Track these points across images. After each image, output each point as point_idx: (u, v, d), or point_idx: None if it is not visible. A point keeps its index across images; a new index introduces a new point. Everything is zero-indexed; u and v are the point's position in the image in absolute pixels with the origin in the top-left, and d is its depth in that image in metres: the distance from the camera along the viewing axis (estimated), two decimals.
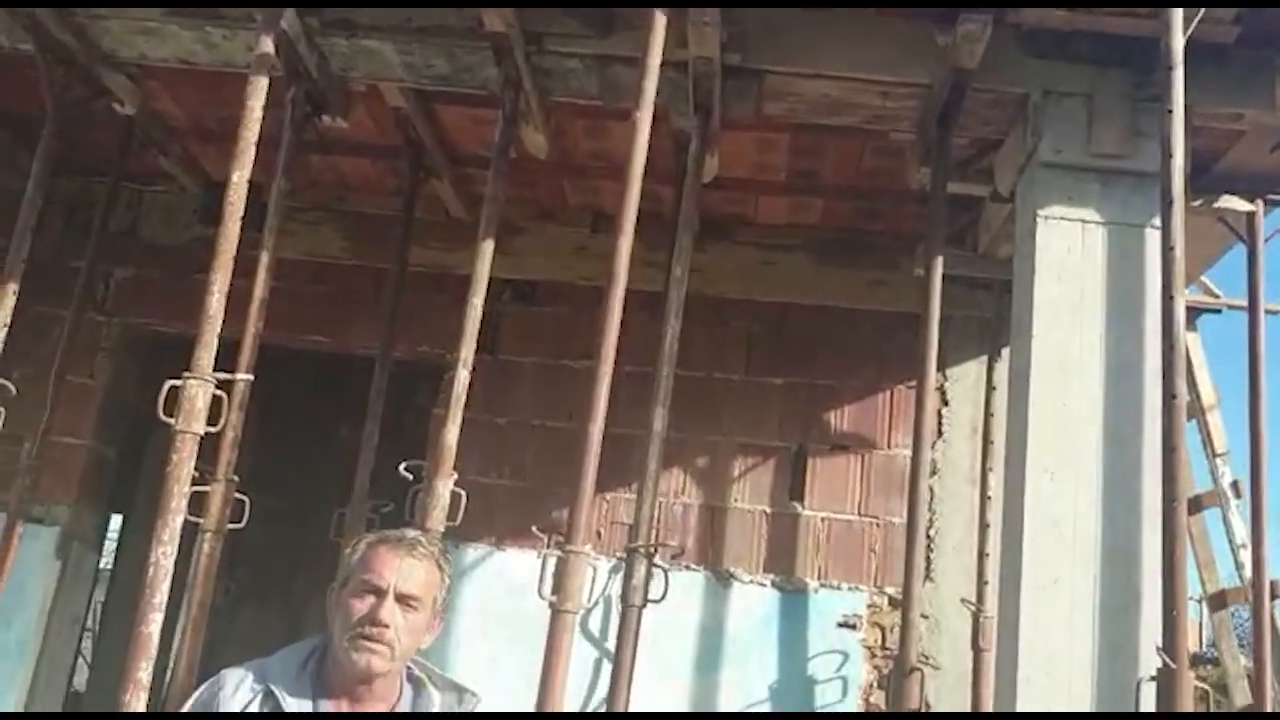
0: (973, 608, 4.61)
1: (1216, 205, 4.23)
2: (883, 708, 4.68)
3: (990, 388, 4.91)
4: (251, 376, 3.72)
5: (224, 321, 3.35)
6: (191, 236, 5.34)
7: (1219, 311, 5.65)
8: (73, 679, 5.99)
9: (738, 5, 3.66)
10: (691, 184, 3.99)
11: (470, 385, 3.82)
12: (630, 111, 3.41)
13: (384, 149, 4.89)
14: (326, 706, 2.14)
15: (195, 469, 3.27)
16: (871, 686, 4.76)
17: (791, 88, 3.88)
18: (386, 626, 2.08)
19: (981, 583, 4.63)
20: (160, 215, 5.43)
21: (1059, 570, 3.40)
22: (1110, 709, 3.24)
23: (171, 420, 3.19)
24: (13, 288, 3.97)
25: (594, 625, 4.89)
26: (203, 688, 2.20)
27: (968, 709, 4.58)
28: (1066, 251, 3.70)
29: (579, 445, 3.44)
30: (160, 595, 3.06)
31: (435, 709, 2.20)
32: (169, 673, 5.98)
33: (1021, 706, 3.33)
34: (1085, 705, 3.28)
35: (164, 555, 3.09)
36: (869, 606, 4.85)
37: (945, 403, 5.00)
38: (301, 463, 7.07)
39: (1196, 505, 5.44)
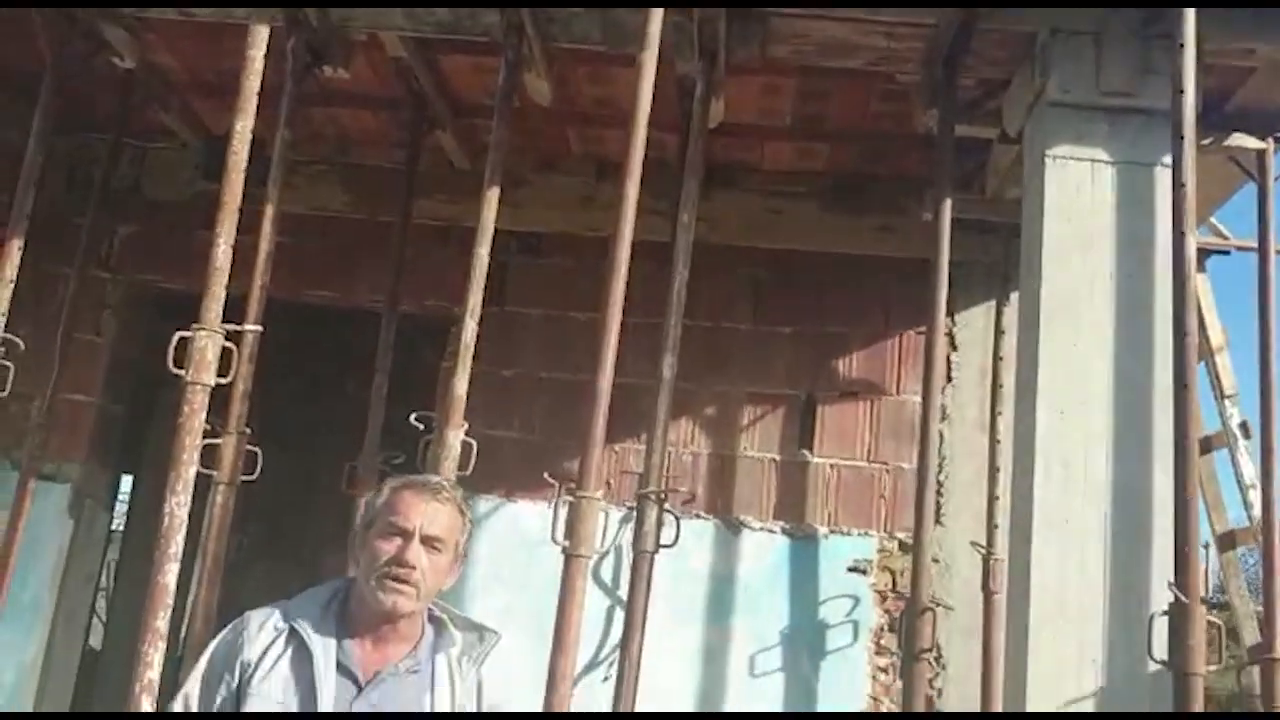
0: (982, 551, 4.63)
1: (1226, 144, 4.18)
2: (893, 650, 4.71)
3: (999, 332, 4.90)
4: (260, 328, 3.71)
5: (229, 276, 3.35)
6: (193, 192, 5.32)
7: (1227, 253, 5.62)
8: (88, 637, 6.05)
9: None
10: (697, 129, 3.96)
11: (477, 338, 3.82)
12: (634, 57, 3.38)
13: (385, 100, 4.85)
14: (350, 645, 2.17)
15: (205, 422, 3.28)
16: (882, 630, 4.80)
17: (797, 29, 3.84)
18: (413, 567, 2.13)
19: (991, 526, 4.65)
20: (162, 171, 5.40)
21: (1070, 510, 3.40)
22: (1121, 646, 3.26)
23: (182, 372, 3.19)
24: (17, 244, 3.96)
25: (605, 574, 4.92)
26: (227, 629, 2.23)
27: (978, 652, 4.60)
28: (1075, 191, 3.67)
29: (588, 395, 3.44)
30: (175, 546, 3.08)
31: (456, 648, 2.24)
32: (184, 626, 6.04)
33: (1033, 646, 3.35)
34: (1096, 643, 3.30)
35: (178, 506, 3.11)
36: (879, 551, 4.87)
37: (954, 348, 4.99)
38: (309, 418, 7.08)
39: (1205, 446, 5.44)
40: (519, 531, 4.98)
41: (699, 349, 4.77)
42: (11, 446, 4.73)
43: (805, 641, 4.82)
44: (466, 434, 3.86)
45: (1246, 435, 5.38)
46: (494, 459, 4.74)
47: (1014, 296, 4.84)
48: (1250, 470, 5.30)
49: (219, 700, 2.16)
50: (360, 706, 2.13)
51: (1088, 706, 3.30)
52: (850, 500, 4.94)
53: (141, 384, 5.61)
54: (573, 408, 5.01)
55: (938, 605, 3.81)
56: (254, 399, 3.94)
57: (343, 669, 2.15)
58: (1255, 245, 4.36)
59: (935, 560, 4.76)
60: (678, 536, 4.03)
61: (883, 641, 4.81)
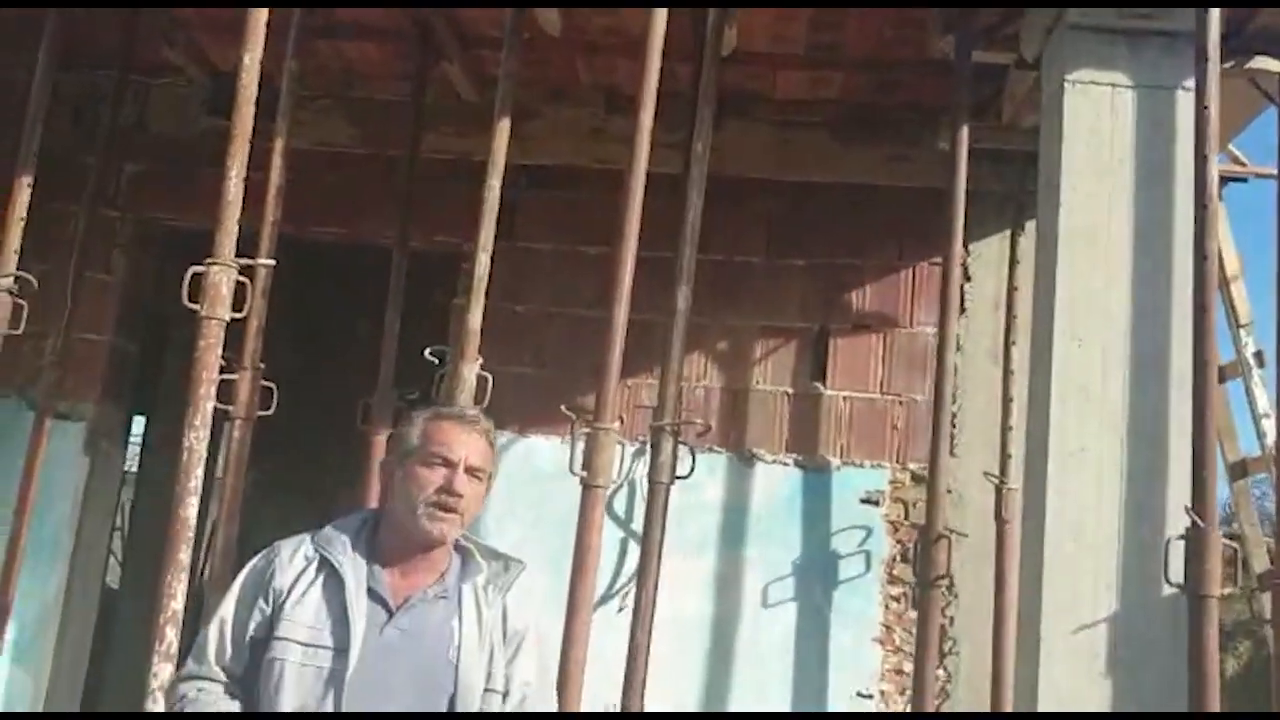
0: (996, 480, 4.64)
1: (1248, 67, 4.12)
2: (906, 580, 4.75)
3: (1014, 262, 4.87)
4: (273, 262, 3.70)
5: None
6: (200, 129, 5.26)
7: (1244, 180, 5.57)
8: (105, 576, 6.11)
9: None
10: (710, 57, 3.91)
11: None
12: None
13: (391, 32, 4.77)
14: (380, 572, 2.21)
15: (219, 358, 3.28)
16: (894, 560, 4.82)
17: None
18: (461, 496, 2.19)
19: (1005, 456, 4.65)
20: (168, 108, 5.35)
21: (1086, 437, 3.41)
22: (1137, 572, 3.28)
23: (196, 307, 3.18)
24: (26, 181, 3.94)
25: (618, 508, 4.95)
26: (258, 557, 2.26)
27: (990, 582, 4.64)
28: (1095, 116, 3.63)
29: (600, 329, 3.43)
30: (195, 480, 3.09)
31: (482, 576, 2.27)
32: (203, 562, 6.11)
33: (1049, 573, 3.38)
34: (1112, 569, 3.33)
35: (196, 441, 3.12)
36: (891, 482, 4.88)
37: (967, 278, 4.95)
38: (317, 355, 7.09)
39: (1219, 376, 5.43)
40: (532, 466, 5.00)
41: (711, 282, 4.74)
42: (26, 385, 4.73)
43: (818, 571, 4.85)
44: (480, 369, 3.87)
45: (1261, 364, 5.37)
46: (506, 394, 4.74)
47: (1029, 225, 4.80)
48: (1264, 399, 5.30)
49: (252, 626, 2.19)
50: (392, 631, 2.16)
51: (1103, 631, 3.33)
52: (863, 432, 4.94)
53: (153, 323, 5.61)
54: (584, 342, 4.99)
55: (952, 533, 3.81)
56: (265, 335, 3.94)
57: (374, 594, 2.18)
58: (1274, 172, 4.32)
59: (948, 491, 4.77)
60: (693, 468, 4.04)
61: (895, 571, 4.84)
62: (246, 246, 3.62)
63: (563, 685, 3.15)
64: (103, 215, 4.98)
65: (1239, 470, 5.55)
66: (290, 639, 2.13)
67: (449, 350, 4.05)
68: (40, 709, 4.83)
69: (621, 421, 4.94)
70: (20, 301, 3.97)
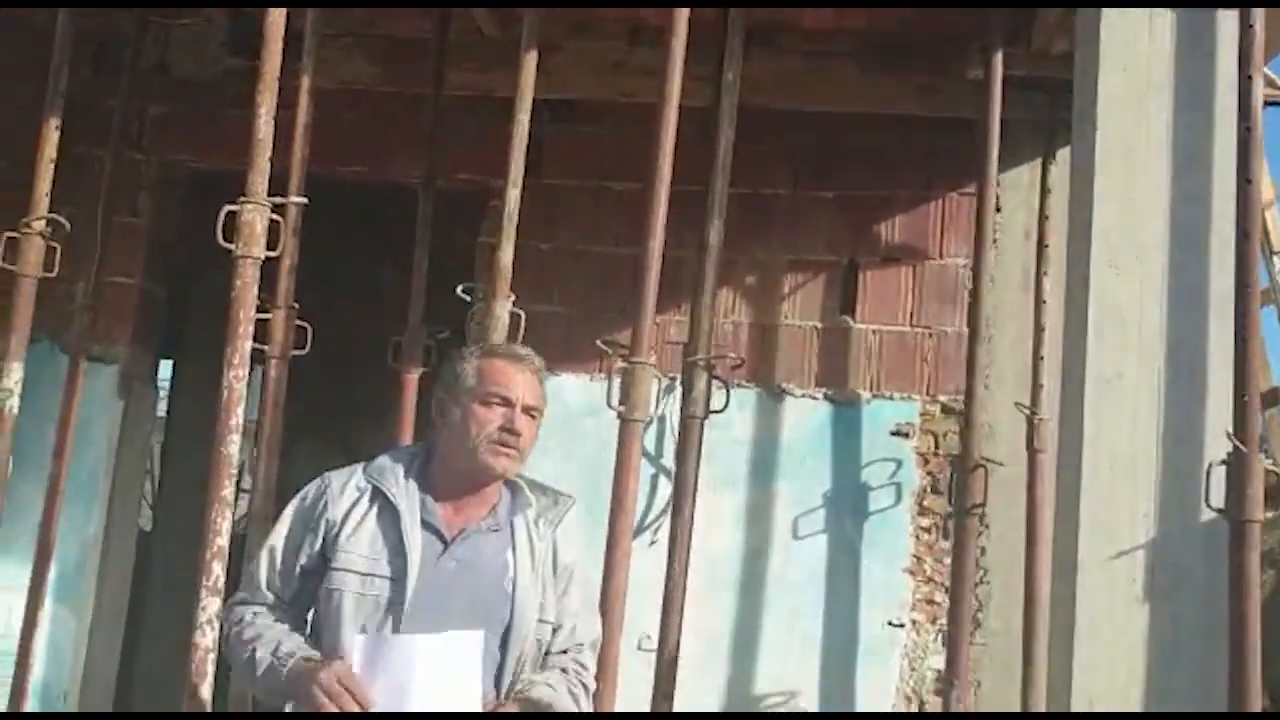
0: (1027, 411, 4.64)
1: None
2: (936, 511, 4.78)
3: (1044, 191, 4.82)
4: (306, 200, 3.69)
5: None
6: (222, 70, 5.23)
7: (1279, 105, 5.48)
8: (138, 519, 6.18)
9: None
10: None
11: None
12: None
13: None
14: (433, 505, 2.23)
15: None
16: (925, 491, 4.85)
17: None
18: (520, 434, 2.27)
19: (1036, 386, 4.64)
20: (188, 49, 5.30)
21: (1123, 364, 3.39)
22: (1175, 497, 3.28)
23: (231, 246, 3.19)
24: (55, 123, 3.92)
25: (648, 444, 4.96)
26: (309, 488, 2.29)
27: (1020, 515, 4.65)
28: (1132, 39, 3.55)
29: (631, 264, 3.41)
30: (236, 417, 3.12)
31: (533, 510, 2.31)
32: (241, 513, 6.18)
33: (1085, 500, 3.38)
34: (1149, 495, 3.32)
35: (236, 379, 3.14)
36: (921, 415, 4.88)
37: (998, 209, 4.89)
38: (342, 296, 7.08)
39: None
40: (562, 404, 5.00)
41: (738, 216, 4.69)
42: (58, 329, 4.75)
43: (848, 504, 4.88)
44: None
45: None
46: (535, 333, 4.72)
47: (1061, 154, 4.75)
48: None
49: (303, 556, 2.22)
50: (448, 561, 2.19)
51: (1139, 558, 3.34)
52: (893, 365, 4.94)
53: (179, 266, 5.62)
54: (612, 280, 4.99)
55: (988, 462, 3.82)
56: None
57: (428, 526, 2.21)
58: None
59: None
60: (727, 403, 4.04)
61: (925, 503, 4.86)
62: (274, 186, 3.62)
63: (605, 616, 3.19)
64: (128, 158, 4.97)
65: (1270, 398, 5.53)
66: (348, 569, 2.16)
67: (480, 288, 4.04)
68: (84, 649, 4.92)
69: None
70: (53, 244, 3.98)
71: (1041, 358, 4.63)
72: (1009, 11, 4.25)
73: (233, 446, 3.12)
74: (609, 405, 3.39)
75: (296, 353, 3.89)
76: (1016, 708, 4.52)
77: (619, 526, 3.28)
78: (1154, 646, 3.27)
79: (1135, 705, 3.30)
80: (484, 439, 2.23)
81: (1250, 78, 3.05)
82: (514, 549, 2.25)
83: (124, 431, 5.07)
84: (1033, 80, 4.82)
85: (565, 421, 4.91)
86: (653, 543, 4.73)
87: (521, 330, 3.93)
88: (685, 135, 3.79)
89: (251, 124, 3.26)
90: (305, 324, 4.01)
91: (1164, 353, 3.39)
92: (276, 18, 3.33)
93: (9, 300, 4.03)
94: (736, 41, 3.84)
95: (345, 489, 2.24)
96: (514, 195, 3.75)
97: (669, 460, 4.74)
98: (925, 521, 4.85)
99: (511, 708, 2.16)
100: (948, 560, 4.71)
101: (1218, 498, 3.06)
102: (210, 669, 3.02)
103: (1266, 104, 5.46)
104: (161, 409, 8.02)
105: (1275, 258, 5.41)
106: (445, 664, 2.09)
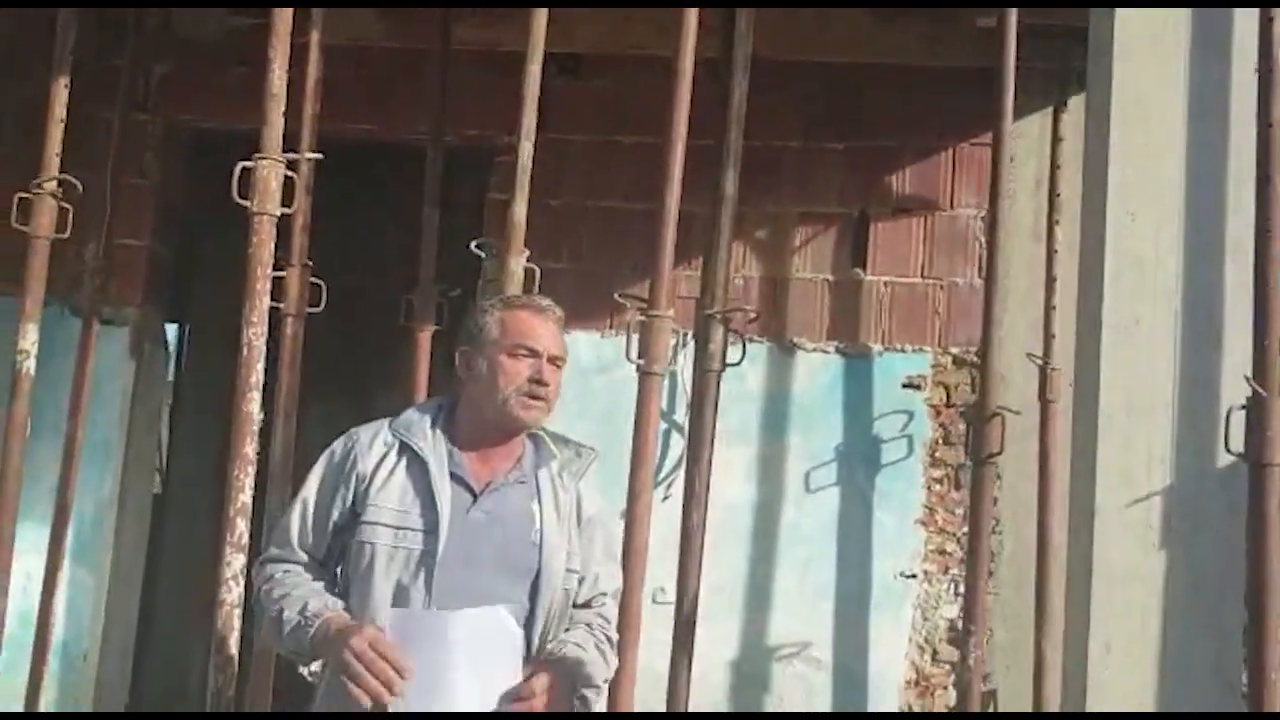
0: (1039, 361, 4.64)
1: None
2: (948, 462, 4.79)
3: (1057, 139, 4.79)
4: (320, 155, 3.67)
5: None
6: (225, 28, 5.17)
7: None
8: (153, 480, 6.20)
9: None
10: None
11: None
12: None
13: None
14: (460, 457, 2.24)
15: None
16: (937, 443, 4.86)
17: None
18: (549, 385, 2.26)
19: (1048, 336, 4.64)
20: (190, 9, 5.24)
21: (1140, 309, 3.40)
22: (1193, 442, 3.30)
23: (247, 203, 3.18)
24: (63, 82, 3.90)
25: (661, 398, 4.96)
26: (337, 443, 2.30)
27: (1033, 462, 4.67)
28: None
29: (643, 219, 3.39)
30: (256, 375, 3.13)
31: (557, 462, 2.32)
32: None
33: (1102, 445, 3.40)
34: (1166, 440, 3.35)
35: (255, 337, 3.15)
36: (933, 367, 4.89)
37: (1009, 158, 4.88)
38: (350, 255, 7.06)
39: None
40: (573, 360, 4.94)
41: (748, 168, 4.65)
42: (69, 292, 4.74)
43: (860, 456, 4.89)
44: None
45: None
46: (545, 289, 4.73)
47: (1073, 102, 4.72)
48: None
49: (335, 512, 2.23)
50: (477, 513, 2.21)
51: (1156, 503, 3.36)
52: (904, 317, 4.93)
53: (187, 227, 5.60)
54: (622, 235, 4.97)
55: (1004, 411, 3.83)
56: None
57: (456, 478, 2.22)
58: None
59: None
60: (744, 356, 4.04)
61: (937, 454, 4.88)
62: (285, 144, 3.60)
63: (625, 571, 3.20)
64: (134, 119, 4.94)
65: None
66: (379, 523, 2.17)
67: (492, 244, 4.03)
68: (102, 609, 4.95)
69: None
70: (66, 206, 3.97)
71: (1054, 307, 4.63)
72: None
73: (254, 404, 3.14)
74: (628, 359, 3.40)
75: (312, 310, 3.88)
76: (1029, 657, 4.56)
77: (639, 480, 3.30)
78: (1171, 591, 3.31)
79: (1152, 650, 3.34)
80: (513, 391, 2.22)
81: (1271, 19, 3.03)
82: (539, 501, 2.26)
83: (137, 392, 5.08)
84: (1044, 28, 4.78)
85: (578, 377, 4.90)
86: (665, 498, 4.74)
87: (536, 285, 3.92)
88: (694, 88, 3.76)
89: (264, 79, 3.24)
90: (320, 281, 4.00)
91: (1181, 297, 3.40)
92: None
93: (20, 264, 4.02)
94: None
95: (374, 443, 2.24)
96: (526, 148, 3.73)
97: (681, 416, 4.75)
98: (937, 473, 4.87)
99: (544, 672, 2.15)
100: (959, 511, 4.74)
101: (1237, 442, 3.07)
102: (236, 624, 3.05)
103: None
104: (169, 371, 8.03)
105: None
106: (482, 641, 2.10)
